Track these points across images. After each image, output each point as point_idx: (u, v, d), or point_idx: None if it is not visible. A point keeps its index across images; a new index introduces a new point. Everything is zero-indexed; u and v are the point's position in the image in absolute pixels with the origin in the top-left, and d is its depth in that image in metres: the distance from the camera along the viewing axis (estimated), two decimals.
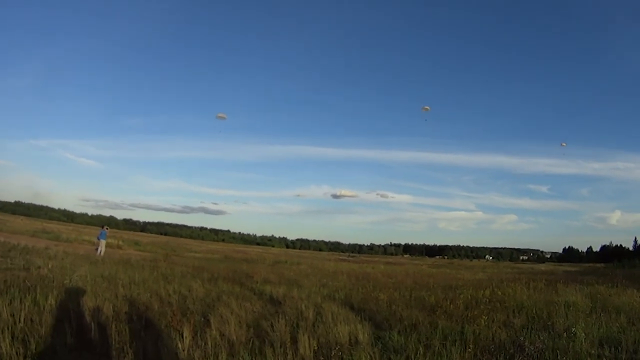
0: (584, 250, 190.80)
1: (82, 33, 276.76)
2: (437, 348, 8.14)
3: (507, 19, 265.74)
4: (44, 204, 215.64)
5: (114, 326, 8.75)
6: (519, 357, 7.67)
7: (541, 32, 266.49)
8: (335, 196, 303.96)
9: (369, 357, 7.48)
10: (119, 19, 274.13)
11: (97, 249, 33.41)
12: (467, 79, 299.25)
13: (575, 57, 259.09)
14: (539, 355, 7.83)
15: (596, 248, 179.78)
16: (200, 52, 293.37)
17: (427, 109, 59.43)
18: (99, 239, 34.51)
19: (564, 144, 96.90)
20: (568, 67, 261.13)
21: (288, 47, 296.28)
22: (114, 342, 7.89)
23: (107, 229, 37.10)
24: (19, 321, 8.19)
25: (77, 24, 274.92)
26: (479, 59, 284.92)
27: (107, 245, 40.90)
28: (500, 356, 7.71)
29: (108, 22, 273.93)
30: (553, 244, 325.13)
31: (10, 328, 7.74)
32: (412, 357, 7.62)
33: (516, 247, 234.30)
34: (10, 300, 9.60)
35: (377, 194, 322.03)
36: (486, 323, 10.75)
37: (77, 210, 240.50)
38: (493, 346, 8.53)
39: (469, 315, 11.92)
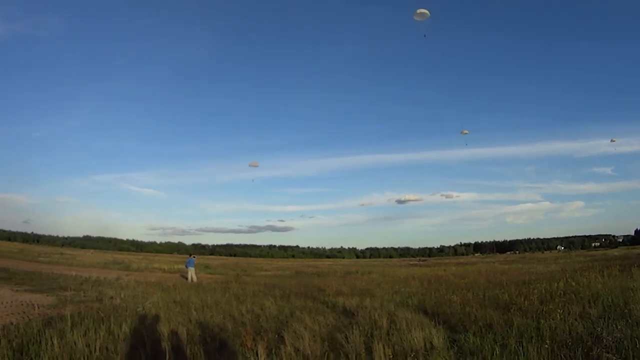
0: None
1: (133, 63, 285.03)
2: (513, 347, 8.07)
3: (552, 7, 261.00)
4: (112, 235, 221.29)
5: (188, 349, 9.00)
6: (597, 349, 7.48)
7: (587, 14, 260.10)
8: (399, 201, 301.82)
9: None
10: (170, 47, 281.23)
11: (186, 277, 33.99)
12: (518, 69, 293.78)
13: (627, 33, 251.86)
14: (617, 346, 7.61)
15: None
16: (252, 71, 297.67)
17: (466, 132, 61.11)
18: (187, 266, 35.05)
19: (615, 140, 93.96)
20: (618, 46, 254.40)
21: (339, 57, 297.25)
22: None
23: (194, 256, 37.87)
24: (95, 350, 8.47)
25: (127, 54, 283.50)
26: (527, 47, 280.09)
27: (178, 271, 41.83)
28: (577, 350, 7.52)
29: (158, 51, 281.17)
30: (624, 227, 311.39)
31: (86, 357, 8.04)
32: (489, 358, 7.58)
33: (587, 234, 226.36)
34: (85, 331, 9.90)
35: (442, 195, 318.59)
36: (562, 316, 10.59)
37: (146, 239, 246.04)
38: (570, 340, 8.35)
39: (544, 309, 11.78)
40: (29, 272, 28.89)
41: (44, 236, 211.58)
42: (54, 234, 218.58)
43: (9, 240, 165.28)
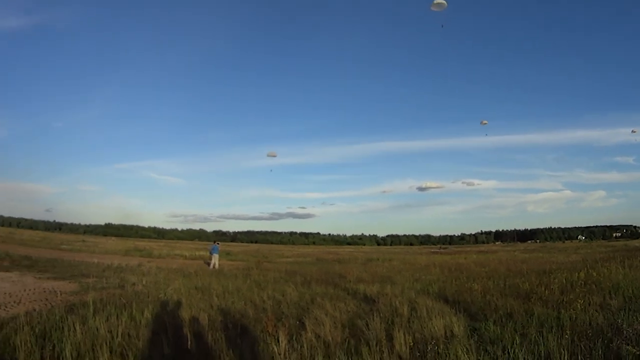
0: None
1: (154, 51, 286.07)
2: (533, 336, 8.06)
3: None
4: (134, 223, 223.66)
5: (209, 335, 9.05)
6: (617, 340, 7.45)
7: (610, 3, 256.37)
8: (421, 189, 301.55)
9: (465, 349, 7.44)
10: (190, 35, 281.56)
11: (209, 263, 34.30)
12: (539, 57, 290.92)
13: None
14: (637, 338, 7.58)
15: None
16: (272, 58, 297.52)
17: (485, 122, 61.05)
18: (211, 253, 35.38)
19: (635, 131, 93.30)
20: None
21: (359, 43, 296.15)
22: (210, 350, 8.13)
23: (218, 243, 38.01)
24: (117, 336, 8.53)
25: (148, 42, 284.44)
26: (548, 36, 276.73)
27: (200, 258, 42.03)
28: (597, 341, 7.50)
29: (181, 38, 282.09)
30: None
31: (108, 343, 8.07)
32: (509, 347, 7.57)
33: (608, 224, 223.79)
34: (107, 317, 10.01)
35: (463, 183, 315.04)
36: (582, 307, 10.59)
37: (167, 226, 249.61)
38: (590, 331, 8.33)
39: (565, 299, 11.78)
40: (52, 260, 29.17)
41: (66, 224, 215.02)
42: (76, 222, 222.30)
43: (31, 228, 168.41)
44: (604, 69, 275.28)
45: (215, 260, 34.03)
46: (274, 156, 60.25)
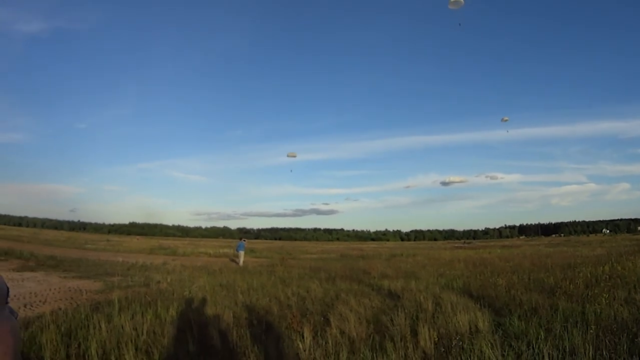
0: None
1: (174, 51, 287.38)
2: (558, 331, 8.05)
3: None
4: (158, 222, 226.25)
5: (234, 332, 9.11)
6: None
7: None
8: (444, 183, 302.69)
9: (489, 344, 7.44)
10: (212, 33, 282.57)
11: (236, 261, 34.77)
12: (563, 50, 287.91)
13: None
14: None
15: None
16: (295, 56, 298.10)
17: (506, 119, 61.17)
18: (237, 250, 35.74)
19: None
20: None
21: (380, 39, 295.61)
22: (235, 347, 8.16)
23: (245, 240, 38.42)
24: (142, 334, 8.64)
25: (168, 42, 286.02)
26: (571, 30, 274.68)
27: (224, 255, 42.31)
28: (622, 336, 7.46)
29: (201, 36, 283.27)
30: None
31: (133, 341, 8.18)
32: (533, 342, 7.56)
33: (633, 217, 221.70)
34: (132, 315, 10.18)
35: (486, 177, 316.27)
36: (607, 301, 10.54)
37: (191, 224, 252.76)
38: (615, 326, 8.29)
39: (589, 294, 11.72)
40: (76, 259, 29.62)
41: (90, 224, 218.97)
42: (100, 221, 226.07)
43: (56, 229, 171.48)
44: (628, 60, 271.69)
45: (241, 257, 34.34)
46: (294, 156, 60.35)
